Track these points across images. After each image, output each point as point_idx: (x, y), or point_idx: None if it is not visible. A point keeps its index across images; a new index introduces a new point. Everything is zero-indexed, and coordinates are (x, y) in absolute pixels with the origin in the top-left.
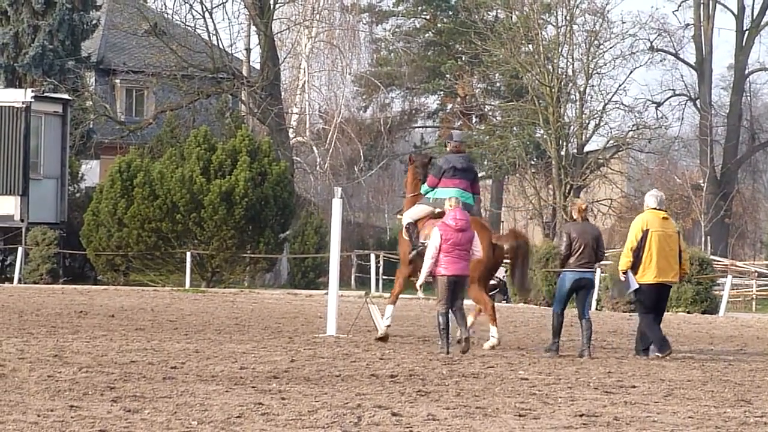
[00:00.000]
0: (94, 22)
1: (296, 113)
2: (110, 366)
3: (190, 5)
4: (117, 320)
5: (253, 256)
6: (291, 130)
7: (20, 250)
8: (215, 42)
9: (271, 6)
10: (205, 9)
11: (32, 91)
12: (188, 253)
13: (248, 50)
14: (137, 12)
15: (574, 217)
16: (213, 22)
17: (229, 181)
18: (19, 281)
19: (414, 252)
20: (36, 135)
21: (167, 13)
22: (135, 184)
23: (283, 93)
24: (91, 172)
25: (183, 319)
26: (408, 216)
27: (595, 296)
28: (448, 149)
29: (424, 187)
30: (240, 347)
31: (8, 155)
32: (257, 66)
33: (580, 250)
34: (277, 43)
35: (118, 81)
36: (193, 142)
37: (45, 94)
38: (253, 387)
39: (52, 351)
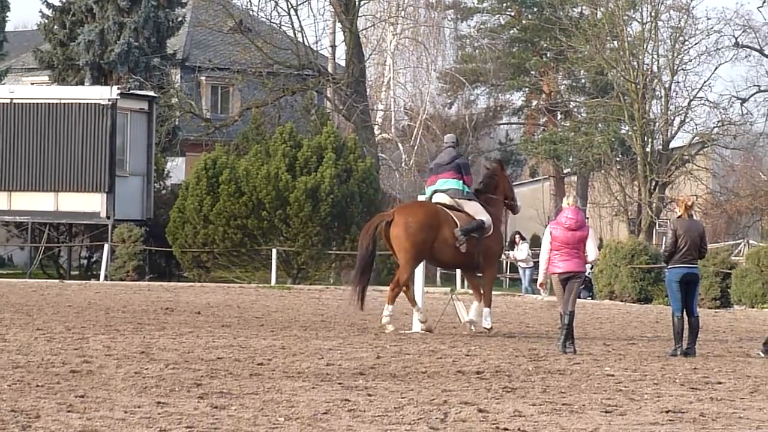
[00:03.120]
0: (179, 19)
1: (381, 110)
2: (197, 362)
3: (276, 2)
4: (203, 317)
5: (338, 252)
6: (376, 127)
7: (106, 247)
8: (300, 39)
9: (356, 3)
10: (290, 6)
11: (118, 89)
12: (274, 250)
13: (333, 47)
14: (222, 9)
15: (679, 213)
16: (298, 19)
17: (315, 178)
18: (106, 278)
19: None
20: (122, 132)
21: (252, 10)
22: (221, 181)
23: (368, 90)
24: (177, 169)
25: (269, 316)
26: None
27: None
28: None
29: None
30: (326, 344)
31: (94, 152)
32: (342, 63)
33: (685, 247)
34: (362, 40)
35: (203, 78)
36: (278, 139)
37: (131, 92)
38: (339, 383)
39: (139, 348)
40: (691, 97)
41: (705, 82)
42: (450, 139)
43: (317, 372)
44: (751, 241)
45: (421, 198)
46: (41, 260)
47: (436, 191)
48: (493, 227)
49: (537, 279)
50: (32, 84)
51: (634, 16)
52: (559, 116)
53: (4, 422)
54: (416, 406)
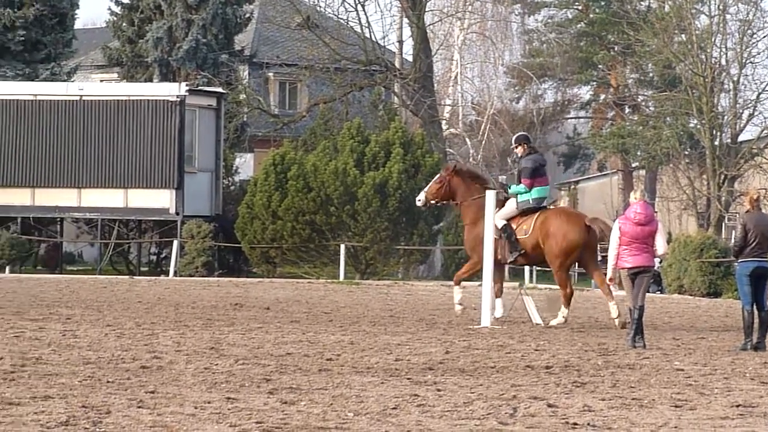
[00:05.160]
0: (247, 15)
1: (449, 105)
2: (266, 358)
3: None
4: (272, 312)
5: (406, 248)
6: (444, 122)
7: (175, 243)
8: (368, 34)
9: None
10: (357, 1)
11: (186, 85)
12: (342, 246)
13: (401, 42)
14: (290, 5)
15: (747, 207)
16: (365, 14)
17: (383, 173)
18: (175, 274)
19: (516, 254)
20: (190, 129)
21: (320, 6)
22: (289, 176)
23: (435, 85)
24: (245, 165)
25: (338, 311)
26: (500, 217)
27: None
28: (523, 150)
29: (518, 188)
30: (395, 339)
31: (163, 149)
32: (410, 58)
33: (755, 241)
34: (430, 35)
35: (271, 74)
36: (346, 134)
37: (199, 88)
38: (408, 378)
39: (209, 343)
40: (760, 90)
41: None
42: (531, 138)
43: (386, 367)
44: None
45: (527, 195)
46: (111, 257)
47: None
48: None
49: (606, 273)
50: (101, 81)
51: (701, 9)
52: (627, 110)
53: (75, 418)
54: (485, 401)
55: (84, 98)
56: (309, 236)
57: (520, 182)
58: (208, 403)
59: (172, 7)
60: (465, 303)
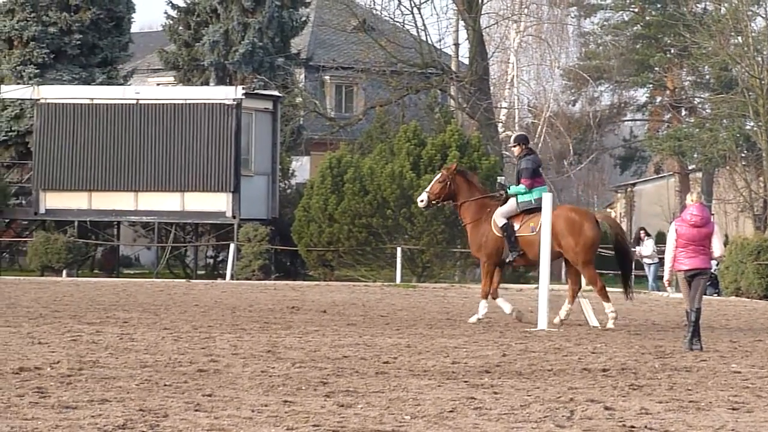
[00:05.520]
0: (303, 18)
1: (505, 107)
2: (323, 361)
3: (399, 1)
4: (329, 316)
5: (463, 251)
6: (500, 125)
7: (232, 246)
8: (424, 37)
9: (480, 1)
10: (413, 4)
11: (243, 89)
12: (399, 248)
13: (457, 45)
14: (346, 8)
15: None
16: (421, 17)
17: None
18: (232, 277)
19: (515, 254)
20: (247, 132)
21: (376, 9)
22: (345, 179)
23: (491, 87)
24: (302, 168)
25: (394, 314)
26: (500, 215)
27: None
28: (521, 150)
29: (517, 189)
30: (451, 342)
31: (220, 152)
32: (466, 61)
33: None
34: (486, 38)
35: (327, 77)
36: (402, 137)
37: (255, 91)
38: (465, 381)
39: (265, 346)
40: None
41: None
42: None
43: (443, 370)
44: None
45: (528, 196)
46: (168, 260)
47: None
48: None
49: (662, 275)
50: (158, 85)
51: (758, 11)
52: (683, 112)
53: (133, 421)
54: (542, 403)
55: (140, 102)
56: (365, 239)
57: (519, 183)
58: (265, 406)
59: (228, 11)
60: (514, 308)
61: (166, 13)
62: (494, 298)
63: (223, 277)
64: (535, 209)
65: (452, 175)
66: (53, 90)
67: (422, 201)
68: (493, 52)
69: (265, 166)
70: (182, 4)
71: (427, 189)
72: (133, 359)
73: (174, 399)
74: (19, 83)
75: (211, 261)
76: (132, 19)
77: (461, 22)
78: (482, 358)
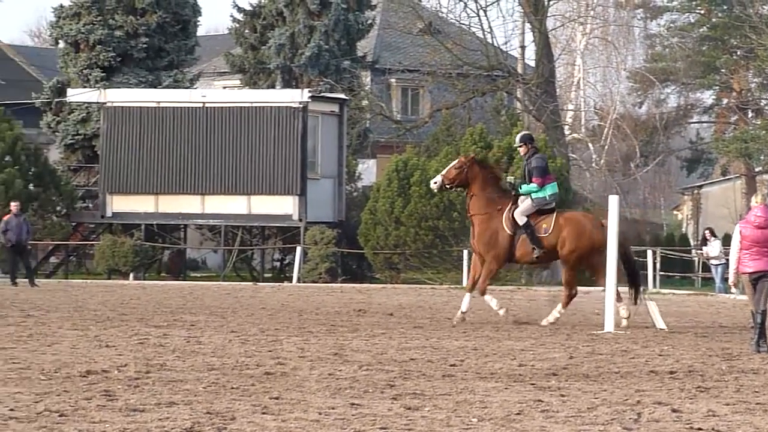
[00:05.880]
0: (369, 21)
1: (571, 110)
2: (390, 364)
3: (465, 3)
4: (395, 318)
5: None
6: (566, 127)
7: (299, 249)
8: (490, 40)
9: (546, 3)
10: (479, 7)
11: (309, 91)
12: (465, 251)
13: (523, 47)
14: (412, 11)
15: None
16: (487, 19)
17: (505, 178)
18: (298, 280)
19: (539, 251)
20: (313, 135)
21: (442, 12)
22: (412, 182)
23: (558, 90)
24: (368, 171)
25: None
26: (521, 213)
27: None
28: (526, 150)
29: (529, 187)
30: (518, 344)
31: (286, 155)
32: (532, 63)
33: None
34: (552, 40)
35: (393, 80)
36: (469, 140)
37: (321, 94)
38: (532, 384)
39: (332, 349)
40: None
41: None
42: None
43: (510, 373)
44: None
45: (542, 193)
46: (234, 263)
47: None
48: None
49: (728, 277)
50: (224, 88)
51: None
52: (750, 114)
53: (200, 424)
54: (609, 406)
55: (207, 105)
56: (432, 242)
57: (530, 182)
58: (332, 408)
59: (294, 14)
60: (504, 305)
61: (232, 16)
62: (482, 294)
63: (290, 280)
64: (546, 210)
65: (470, 163)
66: (120, 93)
67: (435, 183)
68: (560, 55)
69: (332, 169)
70: (248, 8)
71: (443, 172)
72: (200, 362)
73: (241, 402)
74: (85, 86)
75: (278, 264)
76: (198, 23)
77: (527, 25)
78: (549, 360)
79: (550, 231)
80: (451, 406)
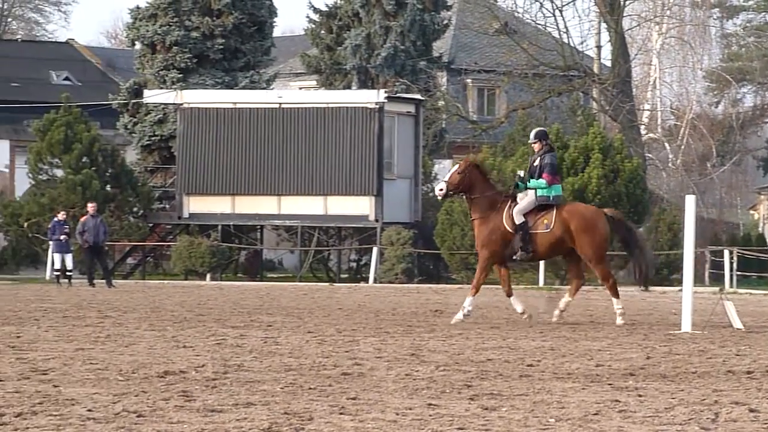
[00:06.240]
0: (444, 22)
1: (647, 110)
2: (467, 364)
3: (541, 3)
4: (471, 318)
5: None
6: (642, 127)
7: (375, 250)
8: (566, 40)
9: (621, 3)
10: (555, 7)
11: (385, 92)
12: None
13: (599, 47)
14: (487, 11)
15: None
16: (563, 19)
17: (582, 178)
18: (375, 281)
19: (524, 253)
20: (389, 135)
21: (517, 12)
22: None
23: (634, 89)
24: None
25: (538, 317)
26: (519, 212)
27: None
28: (540, 147)
29: (538, 182)
30: (595, 344)
31: (362, 156)
32: (608, 63)
33: None
34: (628, 40)
35: (469, 80)
36: None
37: (397, 95)
38: (609, 384)
39: (409, 350)
40: None
41: None
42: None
43: (587, 373)
44: None
45: (547, 192)
46: (311, 264)
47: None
48: None
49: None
50: (300, 88)
51: None
52: None
53: (278, 425)
54: (687, 406)
55: (283, 106)
56: None
57: (540, 177)
58: (410, 409)
59: (370, 15)
60: (527, 308)
61: (308, 17)
62: (508, 296)
63: (366, 280)
64: (546, 206)
65: (470, 168)
66: (196, 94)
67: (441, 190)
68: (636, 54)
69: (408, 169)
70: (324, 8)
71: (446, 178)
72: (278, 363)
73: (318, 402)
74: (162, 88)
75: (354, 264)
76: (274, 23)
77: (603, 25)
78: (626, 360)
79: (552, 226)
80: (528, 406)
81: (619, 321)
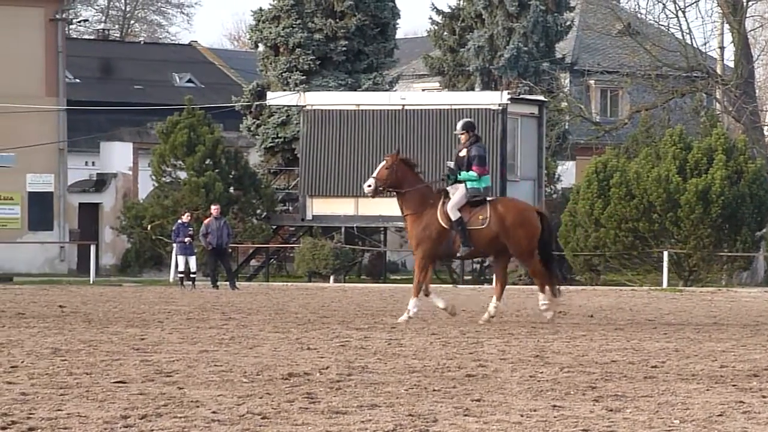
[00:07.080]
0: (567, 23)
1: None
2: (591, 366)
3: (663, 4)
4: (596, 320)
5: (729, 254)
6: (766, 128)
7: None
8: (689, 41)
9: (744, 3)
10: (678, 8)
11: (508, 93)
12: (665, 253)
13: (722, 48)
14: (610, 12)
15: None
16: (686, 20)
17: (705, 179)
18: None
19: (466, 249)
20: (512, 137)
21: (640, 13)
22: (611, 184)
23: (757, 90)
24: (567, 172)
25: (661, 319)
26: (453, 208)
27: None
28: (467, 137)
29: (468, 175)
30: (719, 346)
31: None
32: (731, 64)
33: None
34: (751, 41)
35: (592, 82)
36: (668, 141)
37: (520, 96)
38: (733, 385)
39: (533, 351)
40: None
41: None
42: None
43: (711, 374)
44: None
45: (477, 184)
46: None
47: None
48: None
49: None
50: (423, 90)
51: None
52: None
53: (402, 426)
54: None
55: (406, 108)
56: (632, 243)
57: (469, 169)
58: (534, 411)
59: (493, 16)
60: (449, 303)
61: (430, 18)
62: (426, 295)
63: (489, 282)
64: (477, 202)
65: (397, 162)
66: (319, 96)
67: (370, 186)
68: (759, 55)
69: (531, 171)
70: (447, 10)
71: (374, 174)
72: (402, 364)
73: (443, 404)
74: (285, 90)
75: (478, 266)
76: (397, 25)
77: (726, 26)
78: (750, 361)
79: (488, 221)
80: (653, 407)
81: (548, 315)
